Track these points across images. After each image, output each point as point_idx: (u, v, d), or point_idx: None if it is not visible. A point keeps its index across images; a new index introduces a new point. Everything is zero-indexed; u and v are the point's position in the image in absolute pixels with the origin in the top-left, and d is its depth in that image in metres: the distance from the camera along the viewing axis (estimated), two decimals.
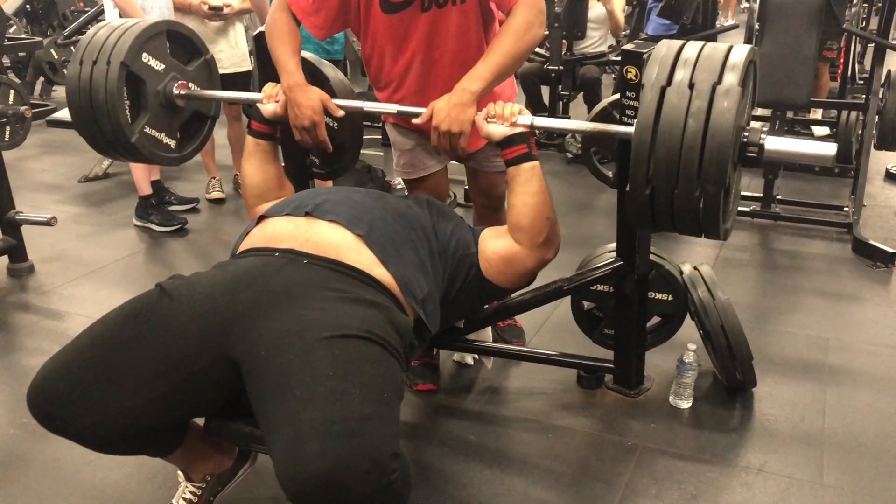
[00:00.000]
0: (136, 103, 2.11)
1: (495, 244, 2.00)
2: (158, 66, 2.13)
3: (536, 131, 1.96)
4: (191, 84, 2.22)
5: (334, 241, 1.72)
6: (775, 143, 1.67)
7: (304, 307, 1.55)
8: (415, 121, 2.02)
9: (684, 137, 1.54)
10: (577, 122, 1.91)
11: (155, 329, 1.55)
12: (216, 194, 4.44)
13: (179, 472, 1.85)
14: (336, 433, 1.32)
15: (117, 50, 2.03)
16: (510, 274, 2.01)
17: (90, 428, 1.50)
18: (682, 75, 1.59)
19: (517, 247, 1.97)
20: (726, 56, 1.60)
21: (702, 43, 1.67)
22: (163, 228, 3.93)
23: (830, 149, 1.68)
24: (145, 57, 2.09)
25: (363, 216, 1.79)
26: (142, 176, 3.95)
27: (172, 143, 2.22)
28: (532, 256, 1.98)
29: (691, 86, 1.57)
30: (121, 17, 3.68)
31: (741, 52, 1.61)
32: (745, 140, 1.66)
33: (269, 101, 2.12)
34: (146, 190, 3.98)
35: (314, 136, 2.09)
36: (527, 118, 1.92)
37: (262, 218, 1.86)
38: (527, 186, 1.93)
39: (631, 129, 1.69)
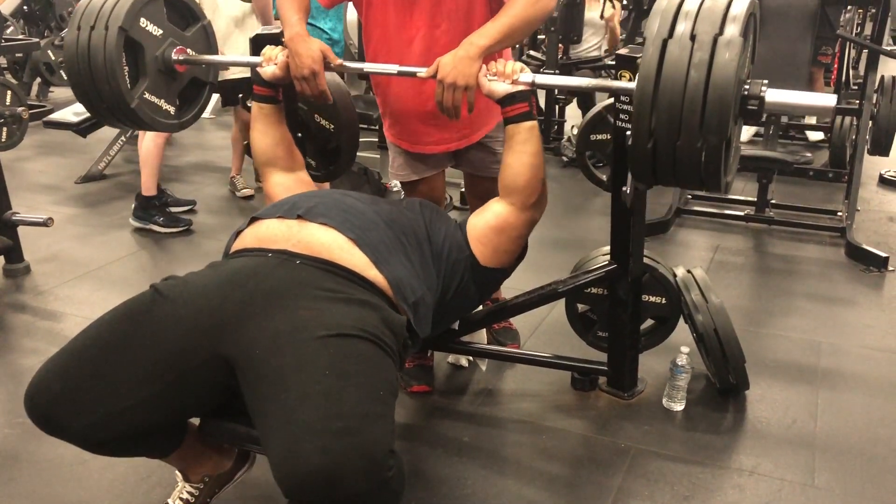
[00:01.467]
0: (134, 69, 2.11)
1: (483, 219, 2.01)
2: (156, 31, 2.13)
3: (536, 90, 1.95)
4: (189, 49, 2.23)
5: (326, 242, 1.72)
6: (776, 96, 1.67)
7: (297, 307, 1.56)
8: (420, 74, 1.98)
9: (686, 89, 1.54)
10: (579, 79, 1.91)
11: (149, 329, 1.56)
12: (246, 192, 4.53)
13: (177, 472, 1.86)
14: (333, 431, 1.33)
15: (115, 14, 2.02)
16: (504, 243, 2.01)
17: (87, 429, 1.51)
18: (683, 27, 1.59)
19: (507, 209, 1.98)
20: (727, 7, 1.60)
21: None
22: (168, 230, 3.94)
23: (830, 100, 1.69)
24: (143, 22, 2.09)
25: (355, 220, 1.79)
26: (151, 175, 3.93)
27: (172, 110, 2.23)
28: (522, 217, 2.00)
29: (693, 37, 1.57)
30: None
31: (742, 3, 1.60)
32: (746, 93, 1.66)
33: (268, 63, 2.12)
34: (153, 190, 3.96)
35: (314, 87, 2.07)
36: (528, 76, 1.91)
37: (254, 219, 1.87)
38: (525, 146, 1.95)
39: (632, 85, 1.69)
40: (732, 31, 1.56)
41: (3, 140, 3.24)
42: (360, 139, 2.55)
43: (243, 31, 4.21)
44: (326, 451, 1.30)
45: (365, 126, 4.40)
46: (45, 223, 3.36)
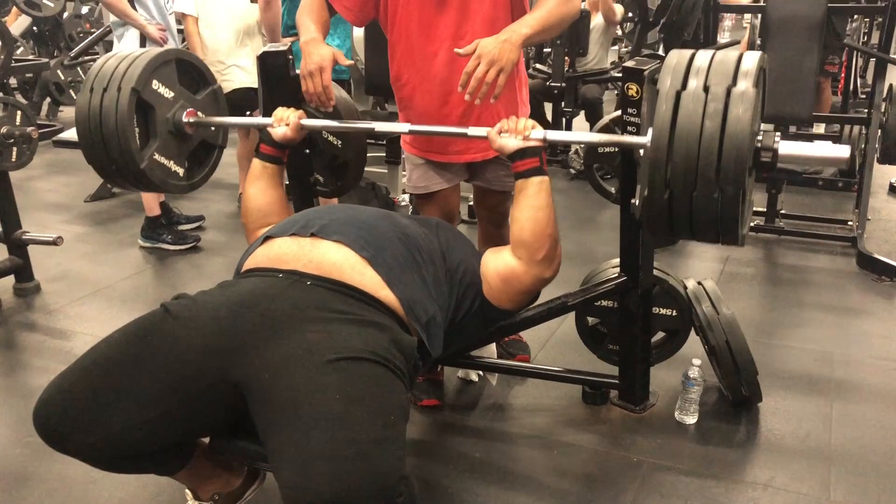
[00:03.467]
0: (145, 130, 2.13)
1: (495, 262, 1.98)
2: (168, 93, 2.15)
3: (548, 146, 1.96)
4: (199, 112, 2.25)
5: (337, 261, 1.71)
6: (789, 148, 1.67)
7: (307, 330, 1.55)
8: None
9: (702, 139, 1.54)
10: (590, 134, 1.91)
11: (158, 350, 1.55)
12: None
13: (187, 491, 1.85)
14: (344, 457, 1.32)
15: (128, 76, 2.05)
16: (509, 293, 1.99)
17: (94, 447, 1.51)
18: (696, 82, 1.60)
19: (515, 262, 1.94)
20: (738, 63, 1.61)
21: (712, 51, 1.68)
22: (177, 247, 3.95)
23: (844, 151, 1.68)
24: (155, 84, 2.12)
25: (369, 238, 1.78)
26: (151, 196, 3.96)
27: (181, 171, 2.24)
28: (530, 273, 1.94)
29: (706, 89, 1.57)
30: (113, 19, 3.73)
31: (753, 58, 1.62)
32: (759, 145, 1.66)
33: (279, 124, 2.11)
34: (155, 210, 3.98)
35: (317, 83, 2.07)
36: (539, 132, 1.92)
37: (267, 237, 1.86)
38: (533, 200, 1.92)
39: (645, 139, 1.70)
40: (745, 82, 1.57)
41: (13, 160, 3.25)
42: (368, 154, 2.55)
43: (250, 44, 4.24)
44: (337, 478, 1.29)
45: (372, 141, 4.41)
46: (55, 242, 3.37)
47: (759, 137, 1.67)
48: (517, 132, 1.92)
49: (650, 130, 1.63)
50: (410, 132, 2.12)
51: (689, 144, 1.56)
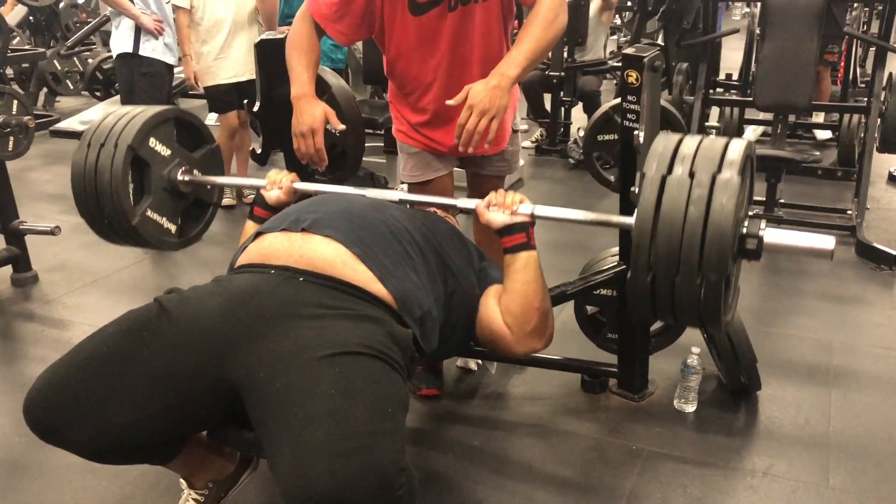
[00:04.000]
0: (139, 187, 2.13)
1: (493, 313, 1.91)
2: (165, 151, 2.15)
3: (535, 220, 1.92)
4: (195, 171, 2.24)
5: (329, 257, 1.69)
6: (774, 236, 1.66)
7: (301, 326, 1.54)
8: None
9: (685, 225, 1.54)
10: (579, 212, 1.91)
11: (151, 348, 1.54)
12: (228, 200, 4.47)
13: (181, 480, 1.85)
14: (342, 451, 1.31)
15: (125, 134, 2.05)
16: (496, 348, 1.96)
17: (85, 441, 1.50)
18: (681, 167, 1.60)
19: (506, 331, 1.89)
20: (724, 150, 1.61)
21: (699, 137, 1.67)
22: None
23: (829, 242, 1.66)
24: (152, 142, 2.11)
25: (361, 232, 1.75)
26: None
27: (173, 228, 2.23)
28: (520, 343, 1.90)
29: (692, 175, 1.58)
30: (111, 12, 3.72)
31: (738, 146, 1.62)
32: (745, 232, 1.66)
33: (272, 187, 2.08)
34: None
35: (309, 145, 2.08)
36: (527, 207, 1.90)
37: (259, 233, 1.84)
38: (521, 274, 1.89)
39: (631, 220, 1.70)
40: (730, 170, 1.56)
41: (9, 149, 3.24)
42: (366, 144, 2.54)
43: (245, 35, 4.23)
44: (335, 473, 1.28)
45: (371, 131, 4.40)
46: (53, 232, 3.36)
47: (745, 224, 1.66)
48: (505, 207, 1.90)
49: (636, 212, 1.63)
50: (401, 201, 2.06)
51: (673, 229, 1.55)
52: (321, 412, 1.37)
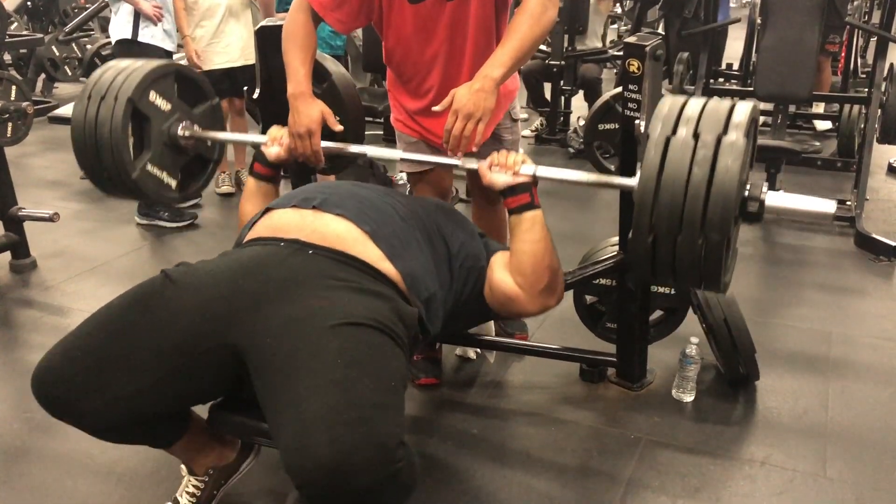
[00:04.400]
0: (139, 141, 2.12)
1: (502, 277, 1.92)
2: (165, 105, 2.14)
3: (538, 180, 1.92)
4: (196, 126, 2.23)
5: (340, 233, 1.71)
6: (776, 199, 1.67)
7: (309, 296, 1.55)
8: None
9: (689, 186, 1.54)
10: (580, 173, 1.92)
11: (158, 315, 1.55)
12: (226, 188, 4.48)
13: (182, 466, 1.85)
14: (344, 421, 1.32)
15: (125, 87, 2.03)
16: (510, 312, 1.99)
17: (93, 411, 1.51)
18: (686, 128, 1.59)
19: (518, 291, 1.90)
20: (730, 112, 1.60)
21: (704, 99, 1.66)
22: (173, 224, 3.93)
23: (830, 206, 1.68)
24: (152, 96, 2.10)
25: (370, 213, 1.77)
26: None
27: (173, 184, 2.23)
28: (533, 302, 1.91)
29: (696, 136, 1.57)
30: None
31: (744, 108, 1.61)
32: (747, 195, 1.66)
33: (272, 143, 2.09)
34: None
35: (306, 146, 2.07)
36: (529, 167, 1.89)
37: (267, 209, 1.86)
38: (528, 234, 1.89)
39: (634, 181, 1.70)
40: (736, 133, 1.56)
41: (8, 135, 3.23)
42: (366, 132, 2.53)
43: (239, 20, 4.21)
44: (336, 442, 1.29)
45: (370, 119, 4.39)
46: (51, 218, 3.36)
47: (748, 188, 1.67)
48: (507, 167, 1.89)
49: (639, 173, 1.62)
50: (402, 160, 2.07)
51: (676, 190, 1.55)
52: (325, 381, 1.38)
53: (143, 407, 1.54)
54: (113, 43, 4.01)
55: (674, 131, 1.59)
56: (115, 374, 1.50)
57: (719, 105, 1.62)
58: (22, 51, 6.59)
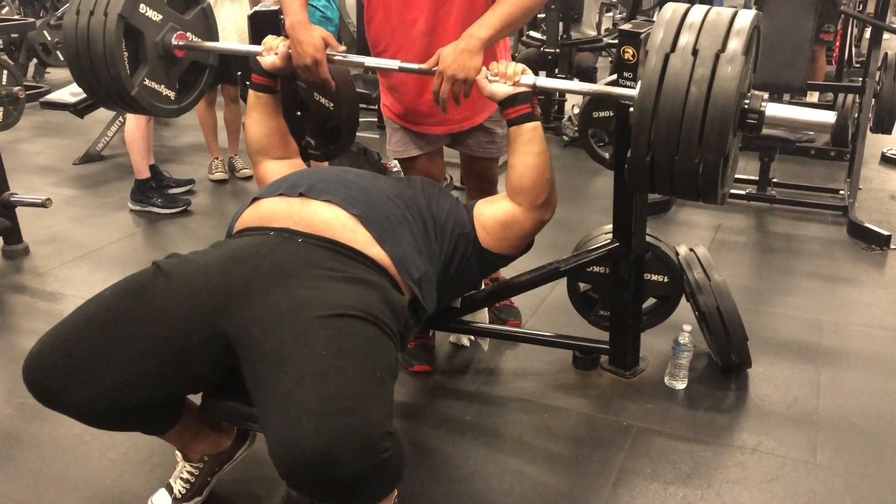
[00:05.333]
0: (134, 55, 2.10)
1: (492, 210, 2.00)
2: (156, 16, 2.12)
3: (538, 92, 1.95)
4: (189, 34, 2.20)
5: (329, 219, 1.71)
6: (775, 110, 1.68)
7: (298, 286, 1.56)
8: (421, 68, 1.98)
9: (686, 105, 1.54)
10: (581, 83, 1.95)
11: (149, 305, 1.56)
12: (219, 175, 4.46)
13: (177, 452, 1.85)
14: (328, 411, 1.32)
15: (114, 1, 2.01)
16: (509, 238, 2.01)
17: (84, 401, 1.51)
18: (686, 40, 1.59)
19: (516, 209, 1.96)
20: (731, 21, 1.60)
21: (707, 7, 1.67)
22: (167, 211, 3.92)
23: (829, 116, 1.70)
24: (143, 8, 2.08)
25: (358, 196, 1.78)
26: (140, 159, 3.91)
27: (172, 95, 2.22)
28: (530, 217, 1.98)
29: (695, 52, 1.57)
30: None
31: (746, 17, 1.61)
32: (746, 106, 1.66)
33: (268, 52, 2.10)
34: (145, 173, 3.94)
35: (316, 74, 2.05)
36: (529, 78, 1.90)
37: (255, 199, 1.86)
38: (529, 147, 1.92)
39: (634, 92, 1.70)
40: (735, 46, 1.56)
41: None
42: (360, 119, 2.52)
43: (234, 4, 4.18)
44: (320, 432, 1.30)
45: (364, 105, 4.38)
46: (44, 204, 3.34)
47: (747, 100, 1.67)
48: (507, 77, 1.90)
49: (639, 83, 1.63)
50: (400, 69, 2.04)
51: (674, 109, 1.56)
52: (312, 372, 1.39)
53: (135, 397, 1.54)
54: None
55: (673, 47, 1.59)
56: (106, 365, 1.50)
57: (720, 16, 1.62)
58: (13, 35, 6.54)
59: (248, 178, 4.49)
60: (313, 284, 1.56)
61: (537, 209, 1.98)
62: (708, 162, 1.56)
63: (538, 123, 1.95)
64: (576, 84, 1.97)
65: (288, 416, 1.34)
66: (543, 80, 1.94)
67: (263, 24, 2.33)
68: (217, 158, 4.49)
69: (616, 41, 3.04)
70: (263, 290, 1.55)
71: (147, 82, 2.12)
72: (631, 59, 2.01)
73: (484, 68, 1.93)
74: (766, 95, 1.69)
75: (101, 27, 2.00)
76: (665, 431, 2.18)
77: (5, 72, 3.23)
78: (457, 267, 1.95)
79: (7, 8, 7.12)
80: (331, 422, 1.31)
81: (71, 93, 4.92)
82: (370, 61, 2.12)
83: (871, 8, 6.91)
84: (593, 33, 5.76)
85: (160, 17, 2.13)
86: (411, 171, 2.43)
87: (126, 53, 2.07)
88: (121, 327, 1.53)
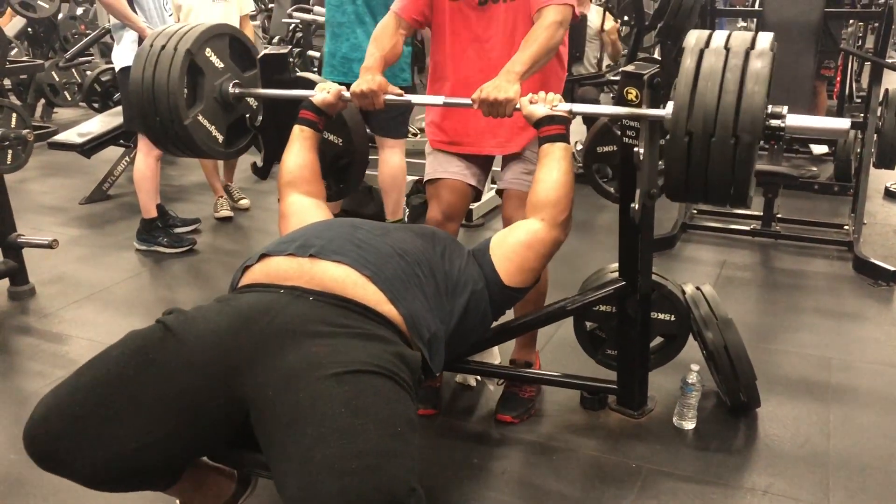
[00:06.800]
0: (192, 92, 2.25)
1: (514, 236, 2.05)
2: (218, 63, 2.28)
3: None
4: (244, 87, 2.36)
5: (339, 278, 1.70)
6: (795, 120, 1.80)
7: (311, 344, 1.53)
8: (464, 100, 2.14)
9: (722, 87, 1.69)
10: (612, 107, 2.11)
11: (160, 367, 1.51)
12: (224, 212, 4.49)
13: (177, 502, 1.83)
14: (352, 470, 1.30)
15: (185, 39, 2.18)
16: (531, 260, 2.03)
17: (89, 469, 1.46)
18: (718, 42, 1.78)
19: (538, 226, 2.03)
20: (754, 39, 1.77)
21: (728, 31, 1.83)
22: (172, 250, 3.93)
23: (845, 123, 1.84)
24: (208, 52, 2.24)
25: (369, 256, 1.77)
26: (148, 199, 3.93)
27: (220, 138, 2.33)
28: (551, 234, 2.04)
29: (727, 49, 1.74)
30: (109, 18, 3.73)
31: (766, 39, 1.77)
32: (770, 113, 1.77)
33: (320, 91, 2.22)
34: (152, 213, 3.96)
35: (368, 102, 2.21)
36: (566, 105, 2.10)
37: (263, 255, 1.83)
38: (559, 163, 2.06)
39: (665, 112, 1.85)
40: (763, 45, 1.73)
41: (8, 162, 3.23)
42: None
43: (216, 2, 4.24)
44: (345, 492, 1.27)
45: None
46: (50, 245, 3.35)
47: (769, 109, 1.77)
48: (546, 102, 2.08)
49: (670, 103, 1.77)
50: (445, 104, 2.25)
51: (711, 90, 1.70)
52: (331, 430, 1.36)
53: (141, 463, 1.49)
54: (117, 70, 4.01)
55: (707, 44, 1.76)
56: (114, 432, 1.45)
57: (743, 33, 1.80)
58: (22, 76, 6.62)
59: (247, 209, 4.57)
60: (327, 342, 1.54)
61: (558, 226, 2.05)
62: (743, 143, 1.67)
63: (569, 146, 2.10)
64: (606, 108, 2.21)
65: (309, 476, 1.31)
66: (578, 107, 2.14)
67: (273, 66, 2.37)
68: (221, 197, 4.52)
69: (617, 77, 3.07)
70: (276, 351, 1.53)
71: (200, 118, 2.25)
72: (634, 99, 2.03)
73: (531, 94, 2.10)
74: (785, 107, 1.80)
75: (170, 58, 2.16)
76: (675, 473, 2.16)
77: (14, 114, 3.26)
78: (468, 323, 1.93)
79: (17, 50, 7.22)
80: (354, 481, 1.29)
81: (78, 133, 4.98)
82: (416, 99, 2.35)
83: (870, 43, 6.98)
84: (594, 71, 5.82)
85: (222, 65, 2.29)
86: (436, 195, 2.48)
87: (185, 90, 2.21)
88: (128, 393, 1.48)
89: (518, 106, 2.08)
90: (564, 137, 2.09)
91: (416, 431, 1.49)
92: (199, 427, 1.52)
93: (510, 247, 2.03)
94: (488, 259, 2.01)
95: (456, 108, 2.38)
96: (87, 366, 1.54)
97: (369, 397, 1.44)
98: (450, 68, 2.41)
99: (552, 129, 2.07)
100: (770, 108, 1.77)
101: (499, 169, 2.56)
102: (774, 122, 1.77)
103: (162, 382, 1.50)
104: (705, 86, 1.71)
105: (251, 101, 2.41)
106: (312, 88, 2.39)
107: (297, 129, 2.24)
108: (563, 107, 2.09)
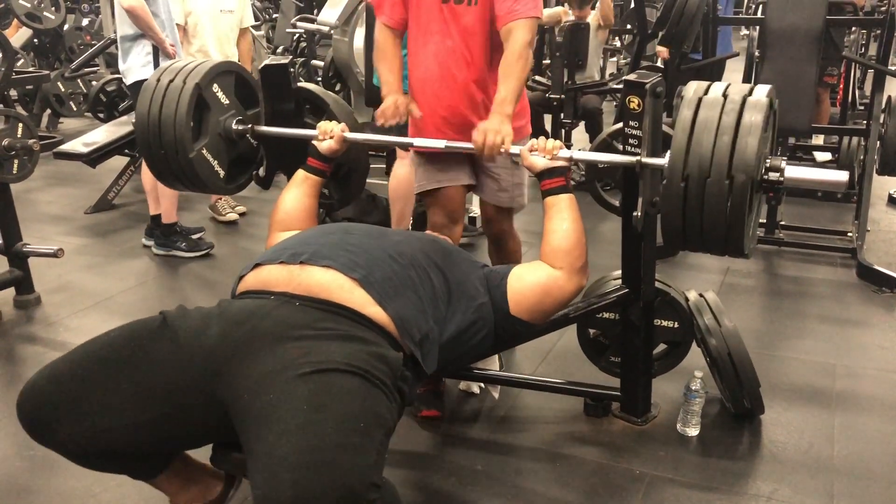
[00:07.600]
0: (198, 126, 2.27)
1: (534, 275, 2.04)
2: (224, 99, 2.32)
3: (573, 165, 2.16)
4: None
5: (325, 282, 1.74)
6: (794, 171, 1.82)
7: (289, 347, 1.58)
8: (465, 144, 2.23)
9: (718, 131, 1.72)
10: (613, 155, 2.13)
11: (150, 357, 1.59)
12: (230, 216, 4.52)
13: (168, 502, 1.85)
14: (306, 464, 1.33)
15: (194, 73, 2.22)
16: (546, 304, 2.04)
17: (72, 439, 1.54)
18: (715, 92, 1.82)
19: (557, 273, 2.02)
20: (750, 91, 1.79)
21: (726, 83, 1.86)
22: (191, 254, 3.97)
23: (843, 175, 1.86)
24: (215, 87, 2.28)
25: (360, 260, 1.80)
26: (170, 202, 3.97)
27: (221, 173, 2.36)
28: (571, 282, 2.03)
29: (724, 96, 1.78)
30: (132, 25, 3.74)
31: (762, 91, 1.79)
32: (769, 165, 1.79)
33: (325, 137, 2.22)
34: (173, 217, 4.00)
35: (390, 116, 2.33)
36: (566, 152, 2.09)
37: (256, 264, 1.88)
38: (566, 213, 2.06)
39: (663, 161, 1.88)
40: (759, 95, 1.77)
41: (14, 172, 3.25)
42: (370, 165, 2.56)
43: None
44: (299, 485, 1.30)
45: (373, 153, 4.42)
46: (56, 254, 3.36)
47: (768, 161, 1.80)
48: (546, 151, 2.08)
49: (668, 154, 1.80)
50: (447, 148, 2.28)
51: (707, 136, 1.73)
52: (292, 426, 1.40)
53: (123, 443, 1.58)
54: (128, 83, 4.01)
55: (706, 92, 1.82)
56: (98, 406, 1.54)
57: (740, 86, 1.84)
58: (28, 87, 6.65)
59: (233, 223, 4.58)
60: (304, 344, 1.58)
61: (577, 273, 2.04)
62: (737, 183, 1.70)
63: (573, 196, 2.10)
64: (608, 156, 2.20)
65: (269, 471, 1.35)
66: (579, 154, 2.16)
67: (274, 77, 2.38)
68: (220, 198, 4.54)
69: (620, 86, 3.09)
70: (256, 353, 1.57)
71: (204, 152, 2.27)
72: (636, 108, 2.04)
73: (532, 141, 2.14)
74: (784, 159, 1.83)
75: (178, 91, 2.20)
76: (679, 480, 2.16)
77: (20, 124, 3.28)
78: (470, 332, 1.94)
79: (22, 60, 7.25)
80: (309, 474, 1.32)
81: (83, 143, 4.99)
82: (418, 142, 2.35)
83: (872, 51, 6.99)
84: (597, 78, 5.83)
85: (227, 101, 2.33)
86: (434, 206, 2.50)
87: (191, 124, 2.24)
88: (117, 373, 1.57)
89: (518, 156, 2.14)
90: (567, 189, 2.10)
91: (386, 429, 1.52)
92: (179, 422, 1.59)
93: (528, 285, 2.03)
94: (503, 288, 2.03)
95: (423, 94, 2.42)
96: (84, 343, 1.64)
97: (333, 394, 1.47)
98: (411, 62, 2.45)
99: (553, 182, 2.09)
100: (769, 161, 1.80)
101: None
102: (773, 176, 1.80)
103: (149, 371, 1.58)
104: (702, 129, 1.75)
105: (252, 140, 2.43)
106: (314, 99, 2.41)
107: (302, 174, 2.25)
108: (563, 154, 2.09)
